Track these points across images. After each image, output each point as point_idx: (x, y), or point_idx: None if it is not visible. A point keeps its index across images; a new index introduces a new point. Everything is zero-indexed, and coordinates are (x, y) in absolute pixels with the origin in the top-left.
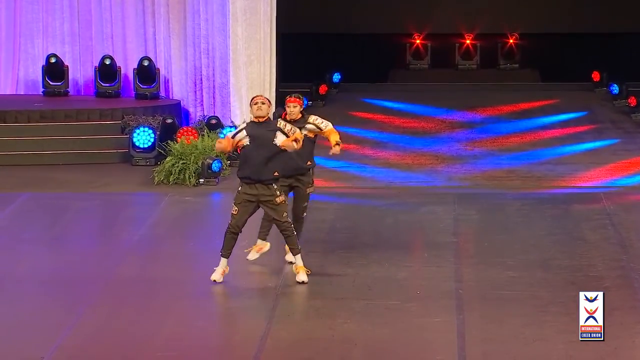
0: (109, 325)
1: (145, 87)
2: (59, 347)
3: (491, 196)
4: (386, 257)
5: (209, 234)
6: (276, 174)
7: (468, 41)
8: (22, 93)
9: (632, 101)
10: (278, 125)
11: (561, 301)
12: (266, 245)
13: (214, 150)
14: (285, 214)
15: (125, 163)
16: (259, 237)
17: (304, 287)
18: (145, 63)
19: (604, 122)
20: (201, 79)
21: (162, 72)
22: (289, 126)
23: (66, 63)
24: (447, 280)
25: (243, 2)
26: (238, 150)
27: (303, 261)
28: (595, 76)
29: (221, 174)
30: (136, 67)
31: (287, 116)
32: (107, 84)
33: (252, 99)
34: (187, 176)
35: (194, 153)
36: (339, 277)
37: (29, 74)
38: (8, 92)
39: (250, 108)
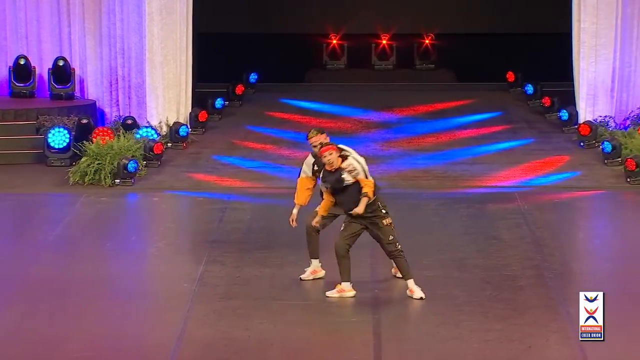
0: (23, 325)
1: (60, 87)
2: None
3: (407, 196)
4: (303, 258)
5: (124, 234)
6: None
7: (384, 41)
8: None
9: (546, 101)
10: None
11: (476, 300)
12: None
13: (130, 150)
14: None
15: (40, 164)
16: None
17: (217, 289)
18: (61, 63)
19: (518, 122)
20: (117, 79)
21: (78, 72)
22: (350, 167)
23: None
24: (364, 280)
25: (159, 1)
26: None
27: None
28: (510, 76)
29: (137, 175)
30: (51, 67)
31: (326, 167)
32: (22, 84)
33: (319, 147)
34: (102, 176)
35: (109, 153)
36: (256, 278)
37: None
38: None
39: (319, 154)
